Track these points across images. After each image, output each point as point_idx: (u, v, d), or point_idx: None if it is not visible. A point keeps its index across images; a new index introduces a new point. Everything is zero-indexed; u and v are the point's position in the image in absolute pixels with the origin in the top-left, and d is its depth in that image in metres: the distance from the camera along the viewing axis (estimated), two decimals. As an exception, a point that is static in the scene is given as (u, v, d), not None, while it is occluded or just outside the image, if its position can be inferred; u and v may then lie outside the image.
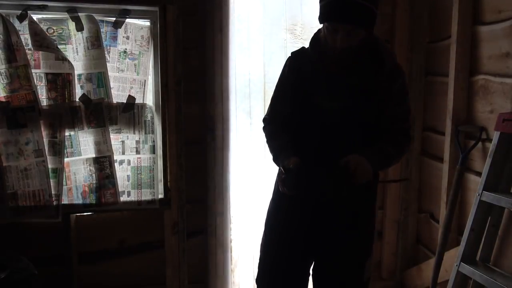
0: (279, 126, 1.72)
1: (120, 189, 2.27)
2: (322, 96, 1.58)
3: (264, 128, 1.78)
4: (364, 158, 1.50)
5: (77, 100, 2.19)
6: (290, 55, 1.71)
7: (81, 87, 2.20)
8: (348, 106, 1.56)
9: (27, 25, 2.08)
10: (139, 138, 2.29)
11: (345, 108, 1.56)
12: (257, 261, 1.79)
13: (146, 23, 2.26)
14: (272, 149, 1.69)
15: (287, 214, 1.68)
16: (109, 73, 2.20)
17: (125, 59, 2.25)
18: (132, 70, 2.27)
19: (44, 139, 2.15)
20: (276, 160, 1.66)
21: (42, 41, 2.09)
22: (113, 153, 2.24)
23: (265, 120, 1.79)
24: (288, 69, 1.69)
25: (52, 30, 2.15)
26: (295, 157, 1.55)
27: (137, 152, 2.29)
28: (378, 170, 1.63)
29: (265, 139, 1.77)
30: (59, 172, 2.18)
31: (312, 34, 1.65)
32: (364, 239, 1.70)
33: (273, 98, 1.77)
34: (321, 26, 1.58)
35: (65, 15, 2.14)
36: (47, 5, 2.12)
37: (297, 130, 1.65)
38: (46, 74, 2.15)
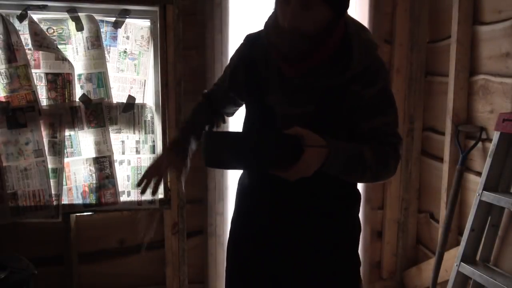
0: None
1: (120, 189, 2.27)
2: (276, 98, 1.23)
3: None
4: (318, 150, 1.07)
5: (77, 100, 2.19)
6: (245, 37, 1.35)
7: (81, 87, 2.20)
8: (309, 114, 1.19)
9: (27, 25, 2.08)
10: (139, 138, 2.29)
11: (305, 116, 1.19)
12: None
13: (146, 23, 2.26)
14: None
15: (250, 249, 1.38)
16: (109, 73, 2.20)
17: (125, 59, 2.25)
18: (132, 70, 2.27)
19: (44, 139, 2.15)
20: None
21: (42, 41, 2.09)
22: (113, 153, 2.24)
23: (203, 95, 1.51)
24: (239, 57, 1.34)
25: (52, 30, 2.15)
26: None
27: (137, 152, 2.29)
28: (337, 172, 1.13)
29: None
30: (59, 172, 2.18)
31: None
32: (346, 276, 1.35)
33: (218, 81, 1.50)
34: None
35: (65, 15, 2.14)
36: (47, 5, 2.11)
37: None
38: (46, 74, 2.15)
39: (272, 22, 1.18)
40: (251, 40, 1.31)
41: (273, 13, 1.19)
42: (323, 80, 1.18)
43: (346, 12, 1.17)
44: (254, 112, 1.31)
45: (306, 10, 1.06)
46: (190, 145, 1.41)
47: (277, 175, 1.08)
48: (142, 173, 2.30)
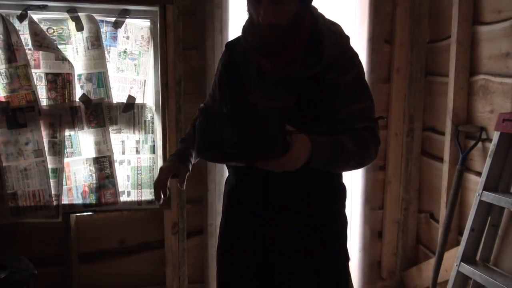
0: None
1: (120, 189, 2.27)
2: (257, 95, 1.28)
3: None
4: (306, 137, 1.11)
5: (77, 100, 2.19)
6: (225, 45, 1.42)
7: (81, 87, 2.20)
8: (290, 107, 1.23)
9: (27, 25, 2.08)
10: (139, 138, 2.29)
11: (286, 109, 1.23)
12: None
13: (146, 23, 2.26)
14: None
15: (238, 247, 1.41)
16: (109, 73, 2.20)
17: (125, 59, 2.25)
18: (132, 70, 2.27)
19: (44, 139, 2.15)
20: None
21: (42, 41, 2.09)
22: (113, 153, 2.24)
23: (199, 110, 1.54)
24: (222, 64, 1.40)
25: (52, 30, 2.15)
26: None
27: (137, 152, 2.29)
28: (323, 163, 1.16)
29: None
30: (59, 172, 2.17)
31: None
32: (331, 275, 1.36)
33: (210, 91, 1.54)
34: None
35: (65, 15, 2.14)
36: (47, 5, 2.11)
37: None
38: (46, 74, 2.15)
39: (248, 25, 1.28)
40: (230, 46, 1.39)
41: (248, 18, 1.29)
42: (299, 72, 1.24)
43: (311, 4, 1.25)
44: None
45: (277, 5, 1.15)
46: (190, 157, 1.52)
47: (266, 167, 1.07)
48: (141, 171, 2.33)
